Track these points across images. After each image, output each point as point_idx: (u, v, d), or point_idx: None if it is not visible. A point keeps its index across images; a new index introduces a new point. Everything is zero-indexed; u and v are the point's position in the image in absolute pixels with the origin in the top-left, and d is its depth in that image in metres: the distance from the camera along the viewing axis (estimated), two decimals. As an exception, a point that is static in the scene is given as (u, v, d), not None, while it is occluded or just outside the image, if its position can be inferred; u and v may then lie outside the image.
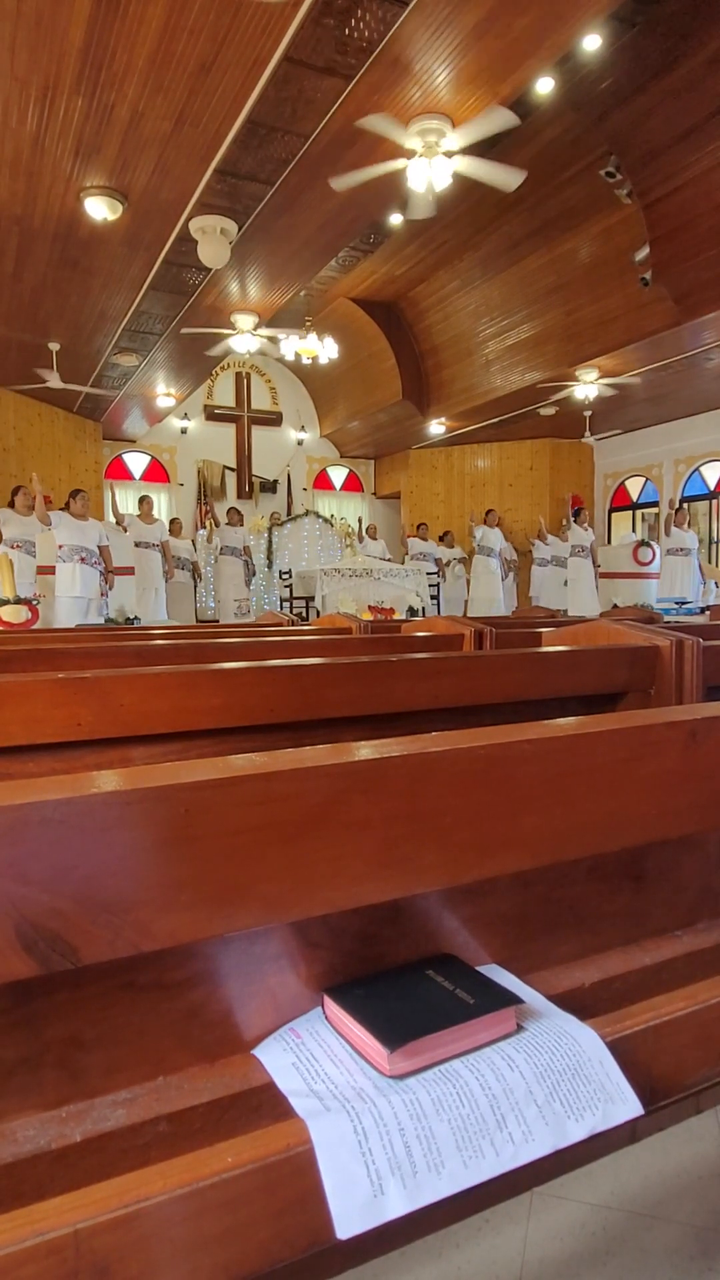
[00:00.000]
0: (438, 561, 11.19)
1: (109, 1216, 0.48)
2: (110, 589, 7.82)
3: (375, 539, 11.33)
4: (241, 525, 10.34)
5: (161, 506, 11.50)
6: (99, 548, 7.46)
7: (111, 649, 1.91)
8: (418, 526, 11.48)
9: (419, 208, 5.03)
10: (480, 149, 4.71)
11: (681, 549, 9.59)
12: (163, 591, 9.07)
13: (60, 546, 7.32)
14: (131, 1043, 0.61)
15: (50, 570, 7.65)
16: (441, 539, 11.54)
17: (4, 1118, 0.57)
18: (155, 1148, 0.58)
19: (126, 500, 11.70)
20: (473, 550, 11.04)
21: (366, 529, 11.79)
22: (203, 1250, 0.51)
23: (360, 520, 13.45)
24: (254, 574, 10.48)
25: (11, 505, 7.97)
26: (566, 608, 9.69)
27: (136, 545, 8.84)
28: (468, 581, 11.35)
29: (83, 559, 7.29)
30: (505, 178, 4.92)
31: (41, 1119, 0.57)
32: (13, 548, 7.80)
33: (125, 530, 8.72)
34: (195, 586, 10.54)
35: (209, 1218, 0.51)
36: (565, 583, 10.26)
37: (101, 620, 7.52)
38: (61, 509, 7.43)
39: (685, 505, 10.62)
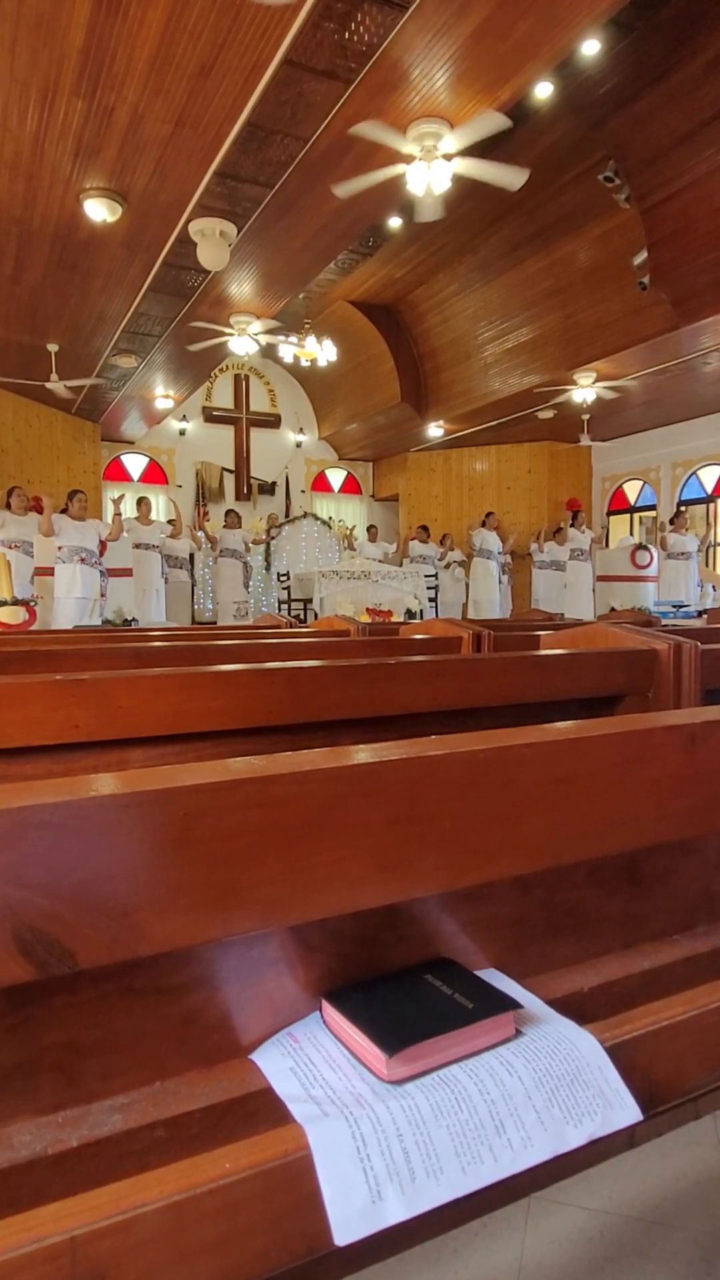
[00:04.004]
0: (436, 563, 11.20)
1: (106, 1223, 0.48)
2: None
3: (374, 542, 11.30)
4: (239, 527, 10.35)
5: (160, 508, 11.49)
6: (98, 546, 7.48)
7: (109, 651, 1.91)
8: (419, 529, 11.49)
9: (427, 210, 5.02)
10: (480, 151, 4.71)
11: (682, 553, 9.62)
12: (162, 593, 9.07)
13: (60, 548, 7.32)
14: (128, 1047, 0.61)
15: (49, 571, 7.64)
16: (441, 541, 11.55)
17: (0, 1123, 0.56)
18: (152, 1153, 0.58)
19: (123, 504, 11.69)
20: (470, 553, 11.06)
21: (367, 530, 11.75)
22: (200, 1256, 0.50)
23: (362, 528, 13.43)
24: (251, 575, 10.47)
25: (8, 506, 7.96)
26: (564, 611, 9.70)
27: (135, 547, 8.84)
28: (466, 585, 11.35)
29: (82, 560, 7.29)
30: (508, 177, 4.91)
31: (38, 1124, 0.57)
32: (10, 548, 7.81)
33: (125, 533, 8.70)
34: (193, 588, 10.53)
35: (206, 1224, 0.50)
36: (565, 586, 10.29)
37: (100, 621, 7.51)
38: (60, 511, 7.42)
39: (684, 509, 10.62)
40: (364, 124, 4.25)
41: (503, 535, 11.05)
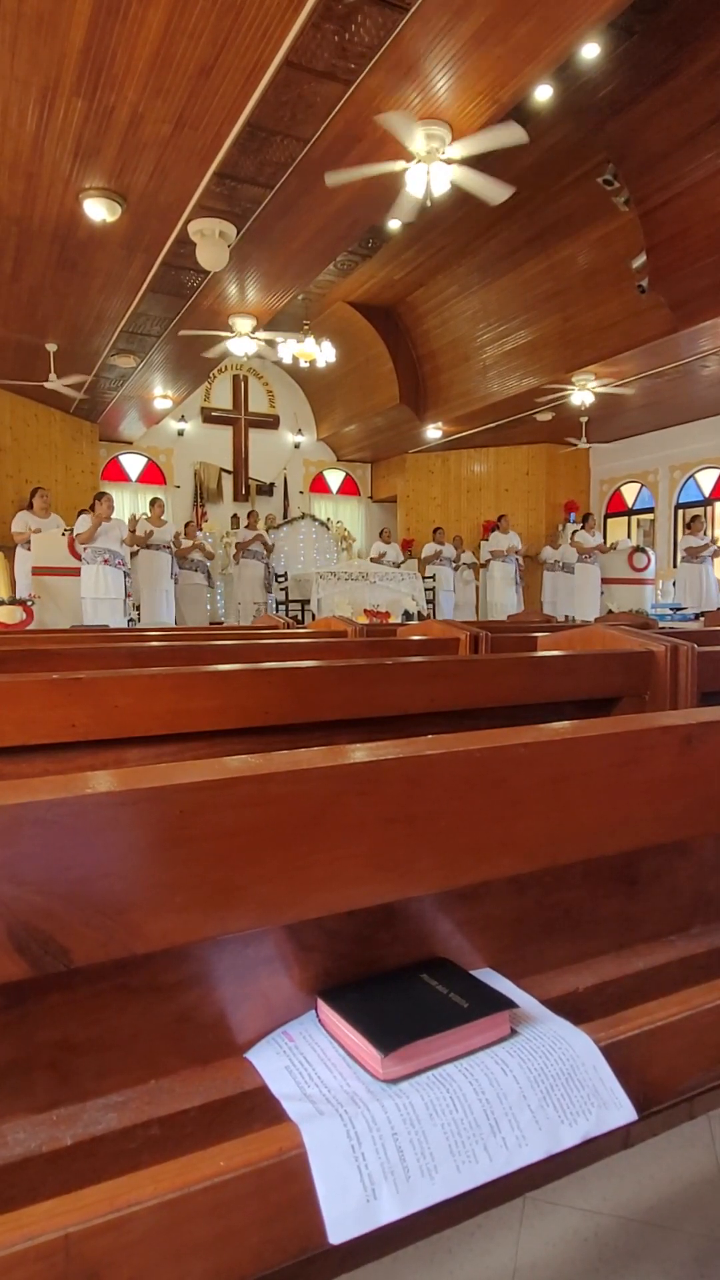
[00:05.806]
0: (454, 563, 11.24)
1: (99, 1221, 0.48)
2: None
3: (389, 543, 11.29)
4: (257, 528, 10.36)
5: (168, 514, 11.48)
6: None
7: (106, 650, 1.91)
8: (434, 531, 11.52)
9: (404, 210, 5.04)
10: (476, 157, 4.72)
11: (700, 556, 9.62)
12: (171, 594, 9.01)
13: (85, 549, 7.35)
14: (124, 1045, 0.60)
15: (46, 571, 7.64)
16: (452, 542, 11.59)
17: (-6, 1120, 0.56)
18: (146, 1151, 0.58)
19: (121, 503, 11.68)
20: (481, 557, 11.10)
21: (380, 534, 11.74)
22: (194, 1255, 0.50)
23: (359, 529, 13.42)
24: (275, 577, 10.45)
25: (30, 507, 7.99)
26: (574, 614, 9.73)
27: (146, 547, 8.82)
28: (477, 587, 11.38)
29: (106, 560, 7.30)
30: (494, 191, 4.93)
31: (32, 1122, 0.57)
32: (27, 549, 7.85)
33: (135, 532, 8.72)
34: (209, 589, 10.49)
35: (200, 1222, 0.50)
36: (575, 590, 10.32)
37: (126, 621, 7.51)
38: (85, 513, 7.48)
39: (698, 514, 10.61)
40: (388, 114, 4.21)
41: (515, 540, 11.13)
